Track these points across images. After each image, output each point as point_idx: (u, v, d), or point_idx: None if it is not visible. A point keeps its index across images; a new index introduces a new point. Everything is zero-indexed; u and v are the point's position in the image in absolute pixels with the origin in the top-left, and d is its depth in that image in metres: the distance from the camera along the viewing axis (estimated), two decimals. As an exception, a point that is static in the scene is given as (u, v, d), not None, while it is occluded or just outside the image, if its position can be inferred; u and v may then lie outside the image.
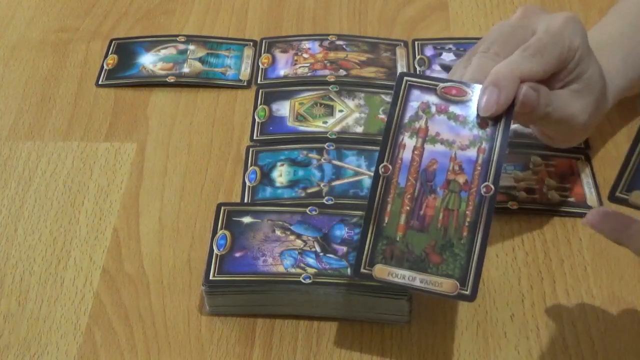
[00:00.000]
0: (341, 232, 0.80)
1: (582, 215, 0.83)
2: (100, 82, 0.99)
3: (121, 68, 1.00)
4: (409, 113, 0.71)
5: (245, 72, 0.99)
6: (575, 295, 0.78)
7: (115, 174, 0.89)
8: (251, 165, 0.88)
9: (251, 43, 1.03)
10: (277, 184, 0.86)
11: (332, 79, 0.96)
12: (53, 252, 0.82)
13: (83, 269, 0.81)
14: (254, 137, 0.91)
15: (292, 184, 0.86)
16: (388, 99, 0.93)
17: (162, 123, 0.94)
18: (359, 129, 0.91)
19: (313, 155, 0.88)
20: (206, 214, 0.84)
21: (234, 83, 0.98)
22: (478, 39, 0.76)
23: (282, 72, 0.98)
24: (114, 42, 1.04)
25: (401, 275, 0.68)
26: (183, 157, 0.90)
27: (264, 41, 1.03)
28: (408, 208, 0.69)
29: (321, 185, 0.86)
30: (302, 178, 0.86)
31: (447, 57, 0.99)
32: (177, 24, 1.06)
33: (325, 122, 0.92)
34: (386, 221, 0.69)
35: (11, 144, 0.92)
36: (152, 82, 0.98)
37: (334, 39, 1.02)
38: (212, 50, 1.02)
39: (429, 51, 1.00)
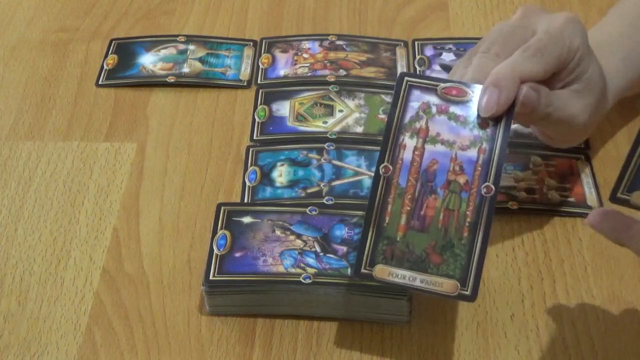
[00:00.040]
0: (341, 232, 0.80)
1: (582, 215, 0.83)
2: (100, 82, 0.99)
3: (121, 68, 1.00)
4: (410, 113, 0.71)
5: (245, 72, 0.99)
6: (575, 295, 0.78)
7: (115, 174, 0.89)
8: (251, 165, 0.88)
9: (251, 43, 1.03)
10: (277, 184, 0.86)
11: (332, 79, 0.96)
12: (53, 252, 0.82)
13: (83, 269, 0.81)
14: (254, 137, 0.91)
15: (292, 184, 0.86)
16: (388, 99, 0.93)
17: (162, 123, 0.94)
18: (359, 129, 0.91)
19: (313, 155, 0.88)
20: (206, 214, 0.84)
21: (234, 83, 0.98)
22: (478, 39, 0.77)
23: (282, 72, 0.98)
24: (114, 42, 1.04)
25: (401, 276, 0.68)
26: (183, 157, 0.90)
27: (264, 41, 1.03)
28: (408, 208, 0.69)
29: (321, 185, 0.86)
30: (302, 178, 0.86)
31: (447, 57, 0.99)
32: (177, 24, 1.06)
33: (325, 122, 0.92)
34: (387, 221, 0.69)
35: (11, 144, 0.92)
36: (152, 82, 0.98)
37: (334, 39, 1.02)
38: (212, 50, 1.02)
39: (429, 51, 1.00)
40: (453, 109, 0.71)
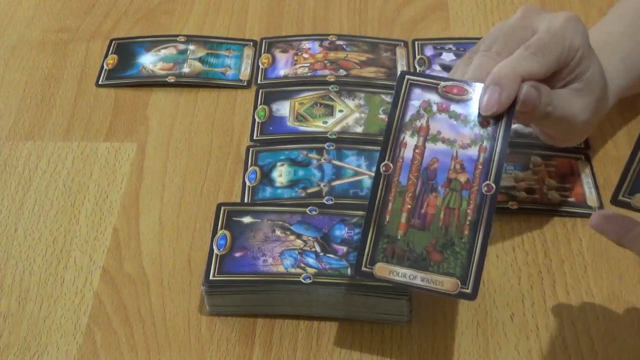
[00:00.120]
0: (341, 232, 0.79)
1: (582, 215, 0.83)
2: (100, 82, 0.99)
3: (121, 68, 1.00)
4: (410, 112, 0.71)
5: (245, 72, 0.99)
6: (575, 295, 0.77)
7: (115, 174, 0.89)
8: (251, 165, 0.88)
9: (251, 43, 1.03)
10: (277, 184, 0.86)
11: (332, 79, 0.96)
12: (53, 252, 0.82)
13: (83, 269, 0.81)
14: (254, 137, 0.91)
15: (292, 184, 0.86)
16: (388, 99, 0.93)
17: (162, 123, 0.94)
18: (359, 129, 0.91)
19: (313, 155, 0.88)
20: (206, 214, 0.84)
21: (234, 83, 0.98)
22: (478, 39, 0.77)
23: (282, 72, 0.98)
24: (114, 42, 1.04)
25: (402, 274, 0.68)
26: (183, 157, 0.90)
27: (264, 41, 1.03)
28: (409, 206, 0.69)
29: (321, 185, 0.86)
30: (302, 178, 0.86)
31: (447, 57, 0.99)
32: (177, 24, 1.06)
33: (325, 122, 0.92)
34: (387, 220, 0.69)
35: (11, 144, 0.92)
36: (152, 82, 0.98)
37: (334, 39, 1.02)
38: (212, 50, 1.02)
39: (429, 51, 1.00)
40: (454, 107, 0.71)
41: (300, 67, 0.98)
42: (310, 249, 0.78)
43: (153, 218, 0.85)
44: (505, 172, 0.85)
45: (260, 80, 0.98)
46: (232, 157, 0.90)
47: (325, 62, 0.99)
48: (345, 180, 0.86)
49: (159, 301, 0.78)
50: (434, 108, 0.72)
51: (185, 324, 0.76)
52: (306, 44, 1.02)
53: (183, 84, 0.98)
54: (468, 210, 0.69)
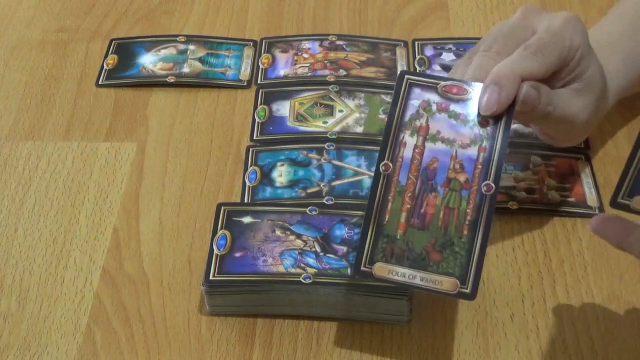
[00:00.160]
0: (341, 232, 0.79)
1: (582, 215, 0.83)
2: (100, 82, 0.99)
3: (121, 68, 1.00)
4: (410, 111, 0.71)
5: (245, 72, 0.99)
6: (575, 295, 0.77)
7: (115, 174, 0.89)
8: (251, 165, 0.88)
9: (251, 43, 1.03)
10: (277, 184, 0.86)
11: (332, 79, 0.96)
12: (53, 252, 0.82)
13: (83, 269, 0.81)
14: (254, 137, 0.91)
15: (292, 184, 0.86)
16: (388, 99, 0.93)
17: (162, 123, 0.94)
18: (359, 129, 0.91)
19: (313, 155, 0.88)
20: (206, 214, 0.84)
21: (234, 83, 0.98)
22: (478, 39, 0.77)
23: (282, 72, 0.98)
24: (114, 42, 1.04)
25: (401, 274, 0.68)
26: (183, 157, 0.90)
27: (264, 41, 1.03)
28: (409, 206, 0.69)
29: (321, 185, 0.86)
30: (302, 178, 0.86)
31: (447, 57, 0.99)
32: (177, 24, 1.06)
33: (325, 122, 0.92)
34: (387, 219, 0.69)
35: (11, 144, 0.92)
36: (152, 82, 0.98)
37: (334, 39, 1.02)
38: (212, 50, 1.02)
39: (429, 51, 1.00)
40: (453, 107, 0.71)
41: (300, 67, 0.98)
42: (310, 249, 0.78)
43: (153, 218, 0.85)
44: (505, 172, 0.85)
45: (260, 80, 0.98)
46: (232, 157, 0.90)
47: (325, 62, 0.99)
48: (345, 180, 0.86)
49: (159, 301, 0.78)
50: (434, 108, 0.72)
51: (185, 324, 0.76)
52: (306, 44, 1.02)
53: (183, 84, 0.98)
54: (467, 210, 0.69)
